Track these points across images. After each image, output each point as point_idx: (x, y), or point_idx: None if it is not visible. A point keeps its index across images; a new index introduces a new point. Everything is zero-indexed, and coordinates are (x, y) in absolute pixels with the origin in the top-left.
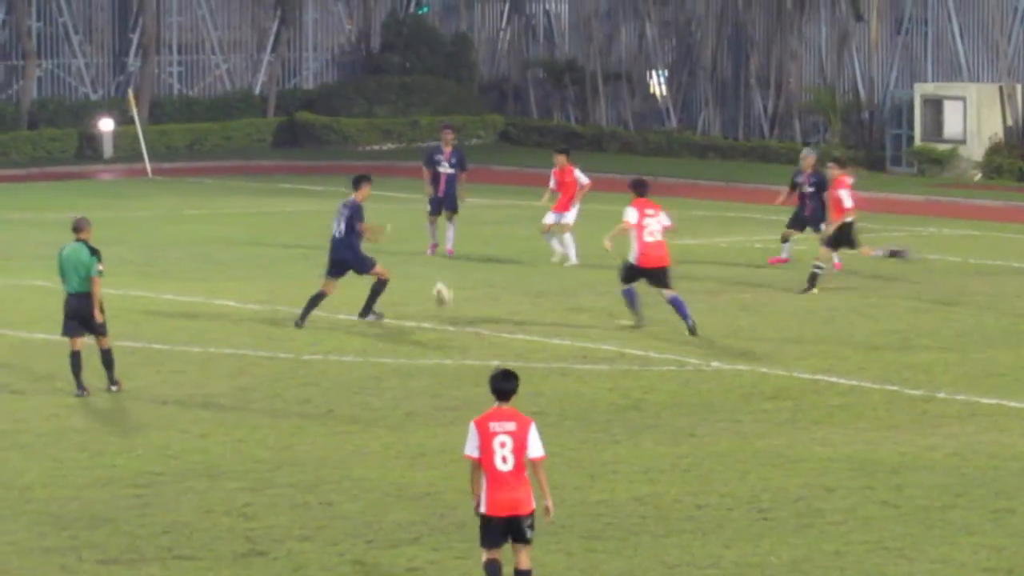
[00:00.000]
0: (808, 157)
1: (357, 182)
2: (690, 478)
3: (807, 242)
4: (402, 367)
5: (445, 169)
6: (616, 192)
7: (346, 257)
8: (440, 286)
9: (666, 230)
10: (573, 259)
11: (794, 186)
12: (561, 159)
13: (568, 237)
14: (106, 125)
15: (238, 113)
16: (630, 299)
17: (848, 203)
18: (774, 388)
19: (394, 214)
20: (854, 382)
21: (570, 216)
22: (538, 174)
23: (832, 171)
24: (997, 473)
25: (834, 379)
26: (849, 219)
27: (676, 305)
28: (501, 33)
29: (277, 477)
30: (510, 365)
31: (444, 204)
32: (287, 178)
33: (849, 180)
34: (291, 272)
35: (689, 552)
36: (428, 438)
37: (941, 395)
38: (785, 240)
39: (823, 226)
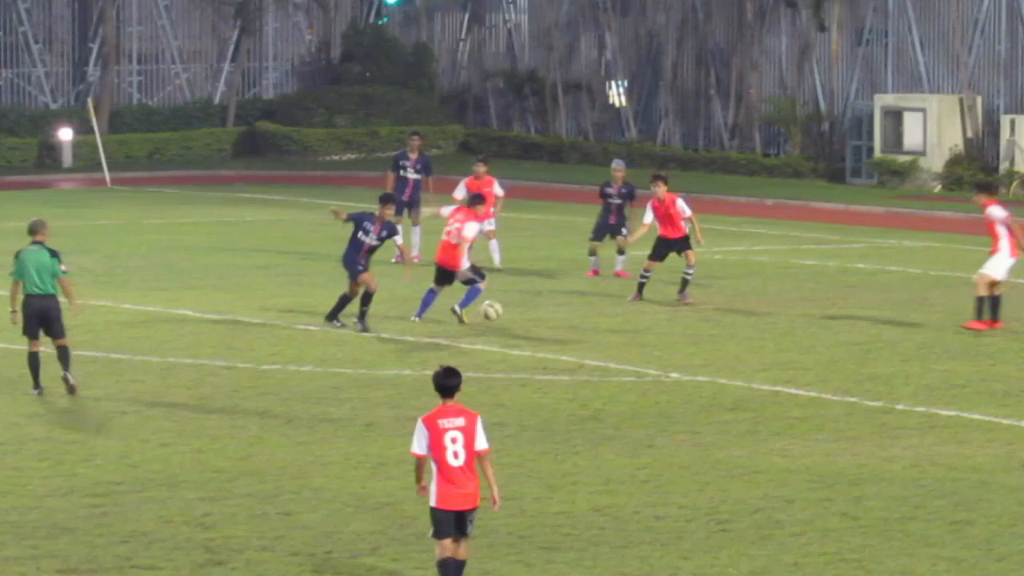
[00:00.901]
0: (619, 170)
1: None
2: (649, 489)
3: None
4: (362, 377)
5: (411, 175)
6: (577, 203)
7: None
8: (489, 306)
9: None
10: (497, 263)
11: (604, 196)
12: (482, 169)
13: (494, 243)
14: (66, 134)
15: (198, 123)
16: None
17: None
18: (733, 399)
19: (353, 224)
20: (814, 393)
21: (492, 223)
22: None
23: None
24: (956, 485)
25: (794, 390)
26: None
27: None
28: (461, 44)
29: (236, 487)
30: (470, 376)
31: (409, 209)
32: (247, 188)
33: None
34: (251, 282)
35: (648, 563)
36: (388, 448)
37: (900, 407)
38: (593, 253)
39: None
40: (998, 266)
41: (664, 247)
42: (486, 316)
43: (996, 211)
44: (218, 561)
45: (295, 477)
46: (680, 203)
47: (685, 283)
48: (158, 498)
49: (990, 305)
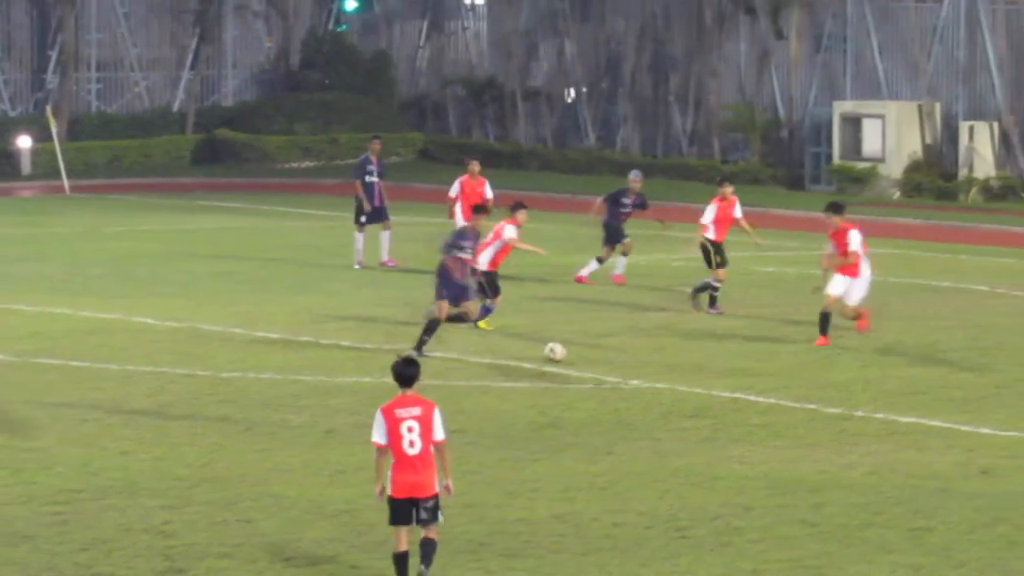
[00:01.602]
0: (637, 181)
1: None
2: (608, 496)
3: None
4: (321, 384)
5: (373, 178)
6: (539, 209)
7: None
8: (553, 348)
9: None
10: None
11: (617, 204)
12: (476, 167)
13: None
14: (24, 142)
15: (157, 130)
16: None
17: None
18: (693, 406)
19: (313, 231)
20: (773, 400)
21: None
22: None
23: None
24: (915, 492)
25: (753, 397)
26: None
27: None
28: (420, 51)
29: (196, 494)
30: (430, 384)
31: (380, 214)
32: (207, 195)
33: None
34: (211, 289)
35: (607, 571)
36: (347, 456)
37: (859, 413)
38: (602, 261)
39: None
40: (858, 289)
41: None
42: (551, 357)
43: (857, 236)
44: (178, 569)
45: (255, 484)
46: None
47: (713, 290)
48: (118, 506)
49: (824, 320)
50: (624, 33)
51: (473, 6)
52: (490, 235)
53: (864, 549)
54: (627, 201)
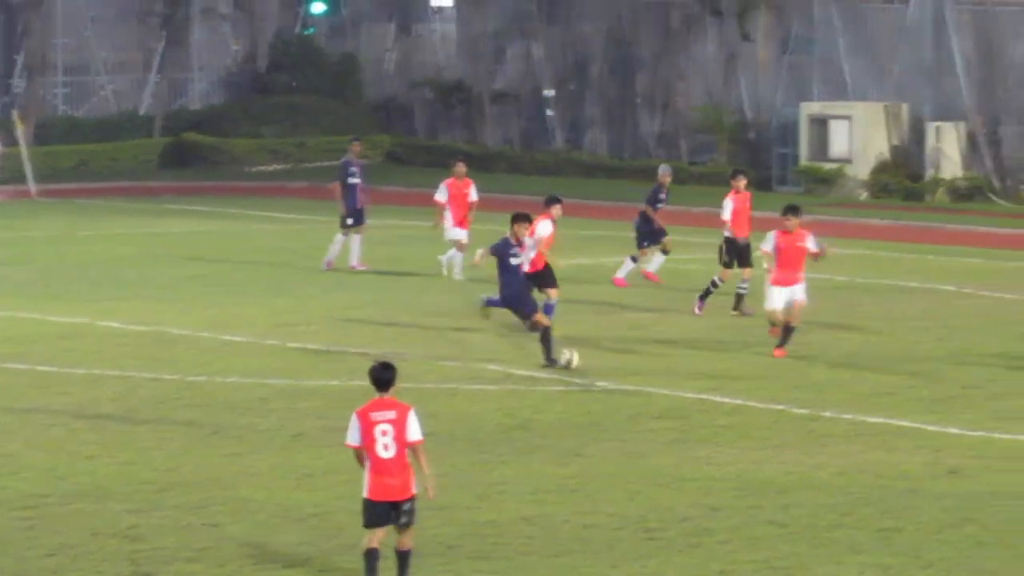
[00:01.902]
0: (668, 175)
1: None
2: (578, 498)
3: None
4: (289, 388)
5: (356, 180)
6: (506, 211)
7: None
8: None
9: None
10: (458, 275)
11: (657, 203)
12: (463, 169)
13: (457, 255)
14: None
15: (125, 134)
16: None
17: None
18: (661, 408)
19: (282, 235)
20: (740, 401)
21: (464, 234)
22: (425, 194)
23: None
24: (884, 492)
25: (720, 399)
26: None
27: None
28: (388, 54)
29: (164, 499)
30: (399, 387)
31: (360, 217)
32: (175, 199)
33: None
34: (178, 293)
35: (577, 572)
36: (315, 459)
37: (828, 414)
38: (636, 260)
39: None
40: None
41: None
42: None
43: (812, 239)
44: (146, 573)
45: (223, 488)
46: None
47: (741, 297)
48: (85, 510)
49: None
50: (591, 35)
51: (441, 9)
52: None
53: (833, 550)
54: (663, 196)
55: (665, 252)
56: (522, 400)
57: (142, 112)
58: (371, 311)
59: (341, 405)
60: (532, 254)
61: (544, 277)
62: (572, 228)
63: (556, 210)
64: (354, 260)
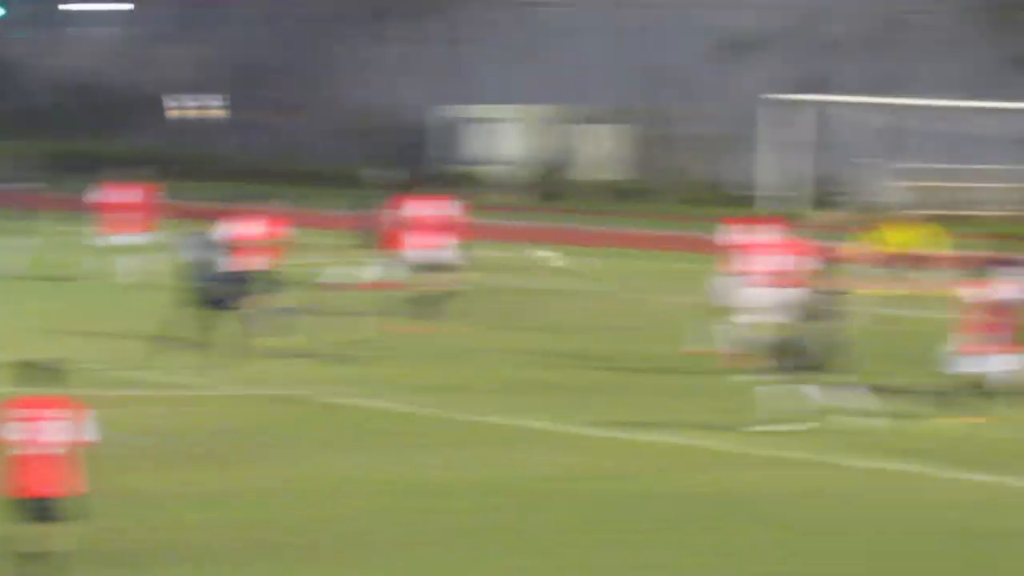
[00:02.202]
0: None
1: None
2: (237, 505)
3: None
4: None
5: None
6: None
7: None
8: None
9: None
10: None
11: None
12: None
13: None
14: None
15: None
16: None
17: None
18: (321, 412)
19: None
20: (405, 407)
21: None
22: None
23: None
24: (521, 493)
25: (363, 402)
26: None
27: None
28: (36, 58)
29: None
30: (93, 394)
31: None
32: None
33: None
34: None
35: None
36: None
37: (474, 418)
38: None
39: None
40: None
41: None
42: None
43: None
44: None
45: None
46: None
47: None
48: None
49: None
50: (256, 38)
51: (93, 13)
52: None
53: (501, 553)
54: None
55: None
56: (186, 408)
57: None
58: (35, 320)
59: None
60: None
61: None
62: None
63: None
64: None
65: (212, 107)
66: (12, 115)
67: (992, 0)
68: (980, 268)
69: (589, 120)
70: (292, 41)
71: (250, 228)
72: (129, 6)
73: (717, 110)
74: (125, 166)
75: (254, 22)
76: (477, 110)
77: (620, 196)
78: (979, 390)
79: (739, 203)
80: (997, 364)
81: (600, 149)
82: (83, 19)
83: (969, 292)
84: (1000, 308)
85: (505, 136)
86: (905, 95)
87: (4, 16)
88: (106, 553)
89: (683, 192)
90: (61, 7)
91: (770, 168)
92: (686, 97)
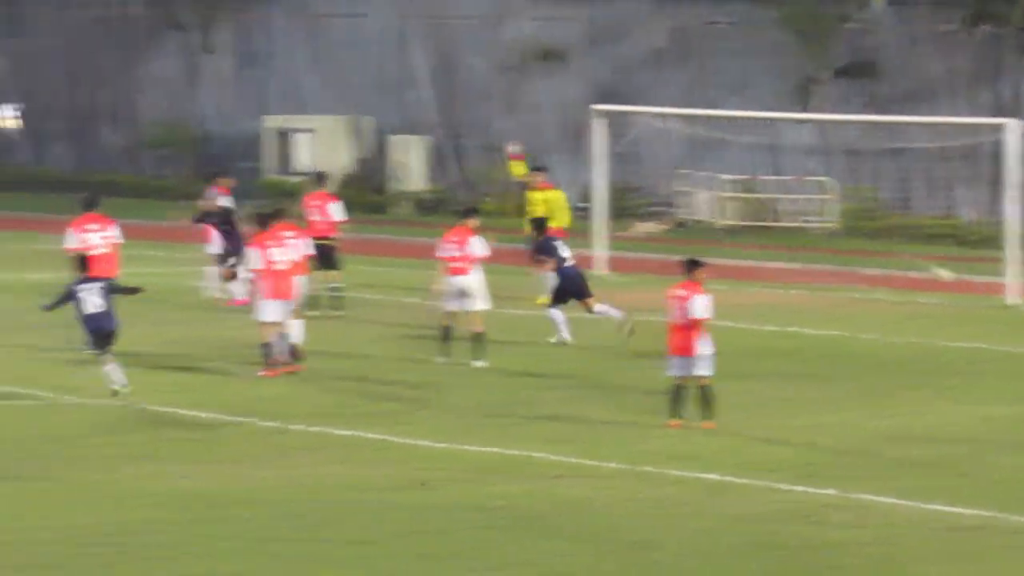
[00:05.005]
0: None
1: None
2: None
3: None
4: None
5: None
6: None
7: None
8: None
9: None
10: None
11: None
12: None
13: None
14: None
15: None
16: None
17: None
18: (121, 420)
19: None
20: (209, 415)
21: None
22: None
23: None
24: (354, 505)
25: (188, 411)
26: None
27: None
28: None
29: None
30: None
31: None
32: None
33: None
34: None
35: None
36: None
37: (295, 427)
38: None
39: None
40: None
41: None
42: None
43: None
44: None
45: None
46: None
47: None
48: None
49: None
50: (53, 47)
51: None
52: None
53: (305, 564)
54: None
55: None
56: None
57: None
58: None
59: None
60: None
61: None
62: (29, 243)
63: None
64: None
65: (7, 118)
66: None
67: (803, 9)
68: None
69: (400, 131)
70: (88, 48)
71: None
72: None
73: (513, 121)
74: None
75: (47, 32)
76: (275, 120)
77: (431, 207)
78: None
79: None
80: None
81: (413, 160)
82: None
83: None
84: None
85: (317, 147)
86: (711, 106)
87: None
88: None
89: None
90: None
91: (569, 178)
92: (482, 108)
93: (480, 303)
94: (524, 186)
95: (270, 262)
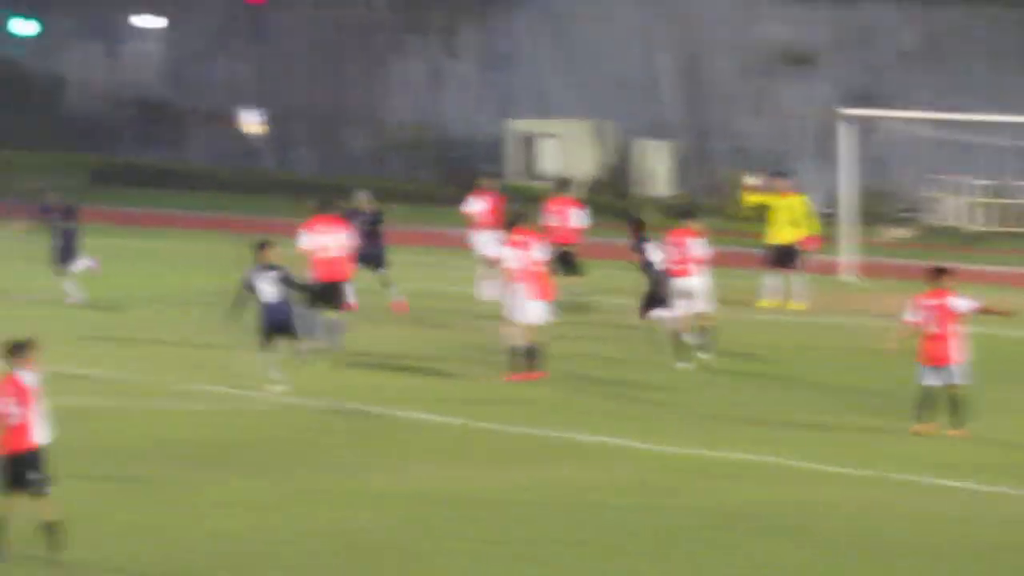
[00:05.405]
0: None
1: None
2: (273, 515)
3: None
4: None
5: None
6: (214, 232)
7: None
8: None
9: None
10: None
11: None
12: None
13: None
14: None
15: None
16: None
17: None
18: (375, 427)
19: None
20: (458, 420)
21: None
22: (128, 213)
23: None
24: (600, 509)
25: (429, 416)
26: None
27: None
28: (95, 71)
29: None
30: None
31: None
32: None
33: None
34: None
35: None
36: None
37: (543, 432)
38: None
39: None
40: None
41: None
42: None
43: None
44: None
45: None
46: None
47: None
48: None
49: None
50: (297, 52)
51: (146, 29)
52: None
53: (555, 570)
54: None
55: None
56: (228, 419)
57: None
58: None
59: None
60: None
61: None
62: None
63: None
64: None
65: (257, 122)
66: (57, 127)
67: None
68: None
69: (644, 135)
70: (334, 53)
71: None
72: (165, 22)
73: (760, 124)
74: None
75: (291, 37)
76: (520, 124)
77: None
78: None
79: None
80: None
81: (658, 165)
82: (128, 32)
83: None
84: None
85: (561, 151)
86: (961, 109)
87: (41, 32)
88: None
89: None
90: (106, 20)
91: (817, 183)
92: (728, 111)
93: (703, 304)
94: (756, 211)
95: (532, 262)
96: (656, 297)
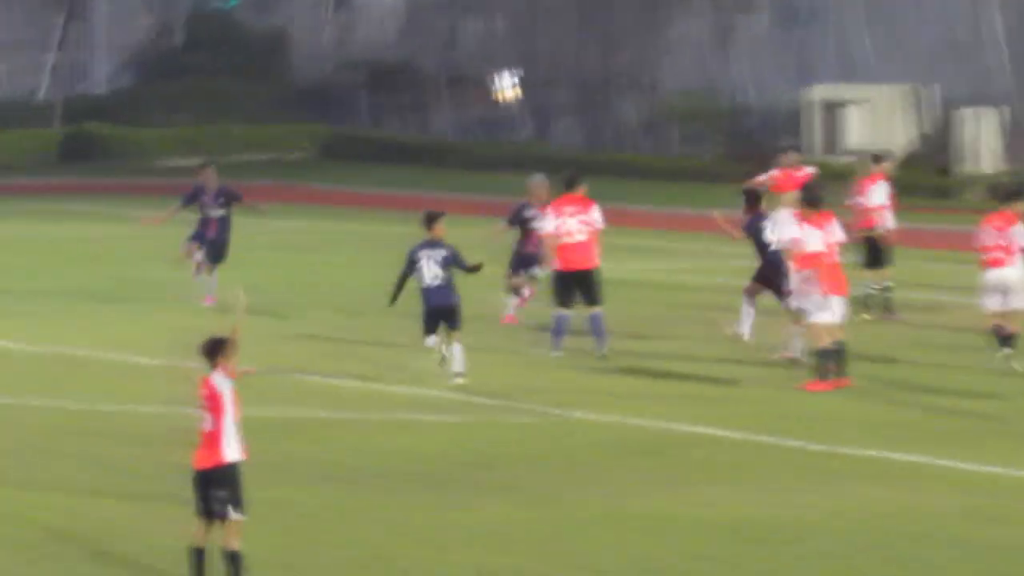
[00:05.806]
0: (541, 186)
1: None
2: (547, 547)
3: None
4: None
5: (213, 213)
6: (461, 215)
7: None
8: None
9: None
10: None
11: (521, 220)
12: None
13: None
14: None
15: (18, 122)
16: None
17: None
18: (647, 442)
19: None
20: (739, 435)
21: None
22: (365, 194)
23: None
24: (919, 540)
25: (715, 431)
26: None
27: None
28: (324, 29)
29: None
30: (336, 416)
31: (217, 251)
32: (76, 198)
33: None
34: (82, 310)
35: None
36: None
37: (843, 450)
38: (515, 292)
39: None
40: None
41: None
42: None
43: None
44: None
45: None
46: None
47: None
48: None
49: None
50: (563, 8)
51: None
52: None
53: None
54: (531, 214)
55: (515, 292)
56: (484, 433)
57: (40, 97)
58: (296, 327)
59: (268, 439)
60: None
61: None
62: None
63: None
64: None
65: (505, 88)
66: (292, 95)
67: None
68: None
69: (971, 102)
70: (603, 7)
71: None
72: None
73: None
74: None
75: None
76: (821, 90)
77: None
78: None
79: None
80: None
81: (987, 136)
82: None
83: None
84: None
85: (872, 121)
86: None
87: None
88: None
89: None
90: None
91: None
92: None
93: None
94: None
95: (817, 252)
96: (769, 284)
